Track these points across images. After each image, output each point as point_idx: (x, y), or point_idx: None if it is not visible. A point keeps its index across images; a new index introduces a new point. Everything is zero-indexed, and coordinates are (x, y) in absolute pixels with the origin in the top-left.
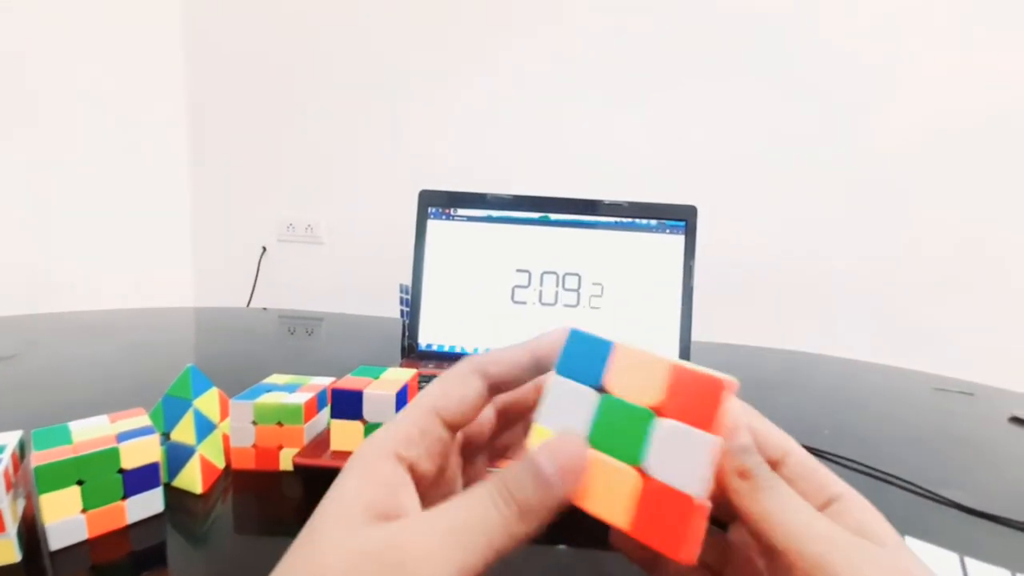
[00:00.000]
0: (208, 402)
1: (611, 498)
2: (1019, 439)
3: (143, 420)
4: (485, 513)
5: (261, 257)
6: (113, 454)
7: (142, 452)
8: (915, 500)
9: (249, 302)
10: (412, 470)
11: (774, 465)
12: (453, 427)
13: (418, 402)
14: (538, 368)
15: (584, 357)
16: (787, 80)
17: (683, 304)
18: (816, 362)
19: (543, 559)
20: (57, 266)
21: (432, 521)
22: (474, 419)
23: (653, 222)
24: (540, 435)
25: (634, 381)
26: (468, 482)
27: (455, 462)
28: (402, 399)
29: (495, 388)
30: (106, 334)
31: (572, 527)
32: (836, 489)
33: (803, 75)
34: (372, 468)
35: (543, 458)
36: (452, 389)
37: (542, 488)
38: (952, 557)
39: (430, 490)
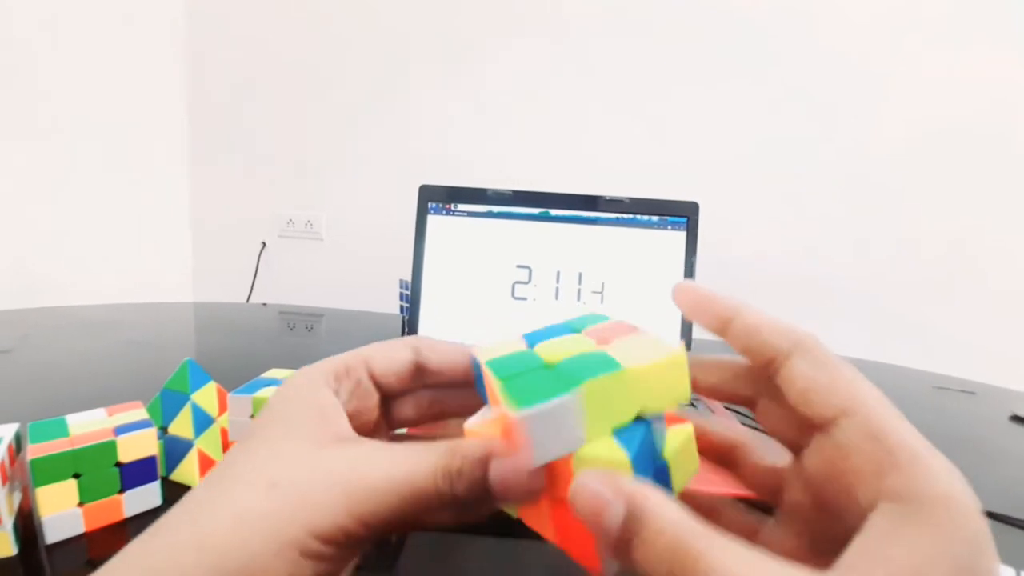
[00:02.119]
0: (206, 396)
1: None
2: (1021, 438)
3: (140, 413)
4: (423, 476)
5: (261, 253)
6: (110, 447)
7: (139, 445)
8: None
9: (249, 298)
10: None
11: (773, 372)
12: (375, 380)
13: (350, 351)
14: (463, 373)
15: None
16: (789, 79)
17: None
18: None
19: (535, 555)
20: (55, 261)
21: (382, 453)
22: (397, 386)
23: (654, 218)
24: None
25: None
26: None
27: (375, 413)
28: None
29: (421, 370)
30: (104, 329)
31: None
32: (841, 405)
33: (804, 75)
34: (310, 395)
35: (495, 468)
36: (384, 349)
37: (479, 486)
38: None
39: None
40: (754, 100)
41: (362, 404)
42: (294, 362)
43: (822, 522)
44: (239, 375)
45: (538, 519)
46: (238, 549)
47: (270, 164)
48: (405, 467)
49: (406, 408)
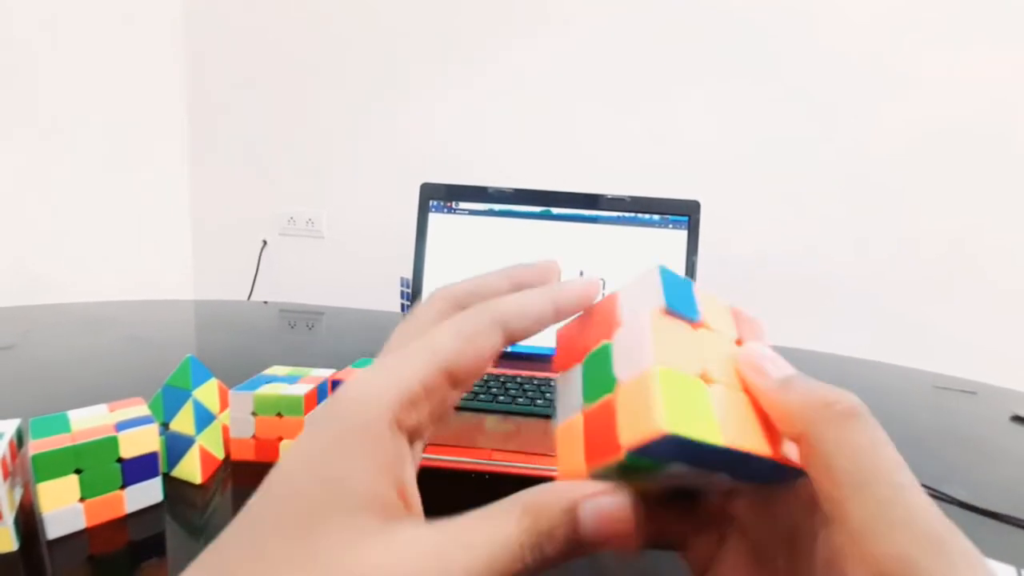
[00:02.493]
0: (208, 393)
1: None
2: (1021, 438)
3: (142, 410)
4: (511, 557)
5: (262, 251)
6: (111, 443)
7: (141, 441)
8: None
9: (250, 295)
10: (413, 438)
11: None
12: (459, 386)
13: (426, 351)
14: (559, 318)
15: (680, 296)
16: (790, 78)
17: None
18: (817, 360)
19: None
20: (55, 260)
21: (448, 546)
22: (485, 370)
23: (656, 217)
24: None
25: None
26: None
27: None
28: None
29: (510, 340)
30: (106, 326)
31: None
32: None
33: (805, 74)
34: (373, 442)
35: (586, 512)
36: (470, 345)
37: (571, 547)
38: None
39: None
40: (755, 99)
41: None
42: (295, 360)
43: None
44: (240, 372)
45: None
46: None
47: (271, 162)
48: (484, 552)
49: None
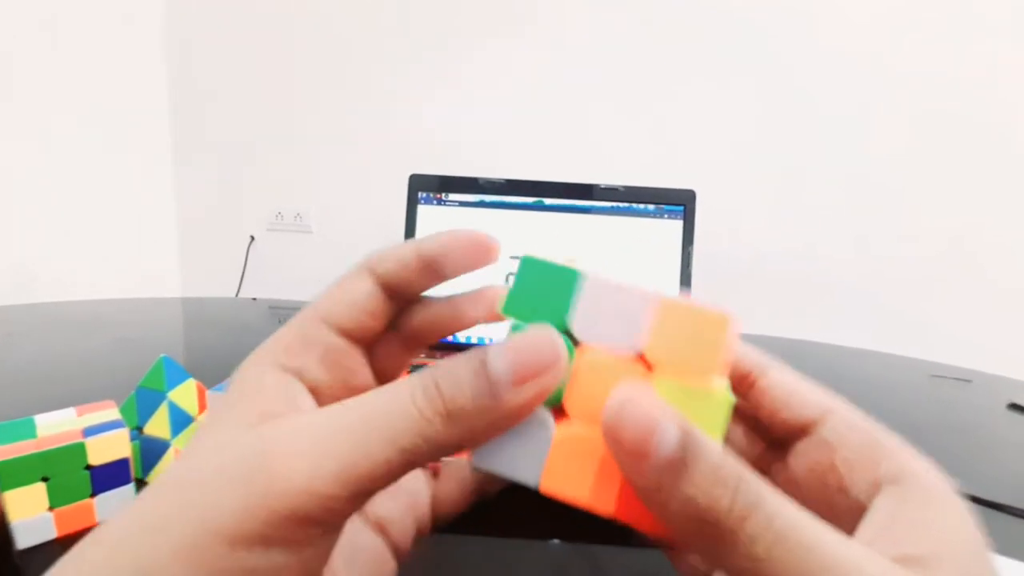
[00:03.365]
0: (184, 394)
1: (581, 472)
2: (1018, 426)
3: (112, 413)
4: (395, 406)
5: (249, 246)
6: (78, 449)
7: (110, 447)
8: None
9: (238, 292)
10: (303, 380)
11: (747, 386)
12: (346, 333)
13: (301, 311)
14: (428, 270)
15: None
16: (787, 70)
17: (681, 291)
18: (813, 350)
19: (535, 554)
20: (38, 257)
21: (322, 415)
22: (370, 323)
23: (651, 207)
24: None
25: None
26: None
27: (364, 375)
28: None
29: (388, 288)
30: (88, 326)
31: (565, 518)
32: (821, 406)
33: (803, 66)
34: (254, 379)
35: (493, 352)
36: (337, 292)
37: (482, 387)
38: None
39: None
40: (751, 88)
41: (346, 371)
42: None
43: None
44: (229, 372)
45: (570, 476)
46: (144, 558)
47: (257, 156)
48: (353, 419)
49: (395, 350)
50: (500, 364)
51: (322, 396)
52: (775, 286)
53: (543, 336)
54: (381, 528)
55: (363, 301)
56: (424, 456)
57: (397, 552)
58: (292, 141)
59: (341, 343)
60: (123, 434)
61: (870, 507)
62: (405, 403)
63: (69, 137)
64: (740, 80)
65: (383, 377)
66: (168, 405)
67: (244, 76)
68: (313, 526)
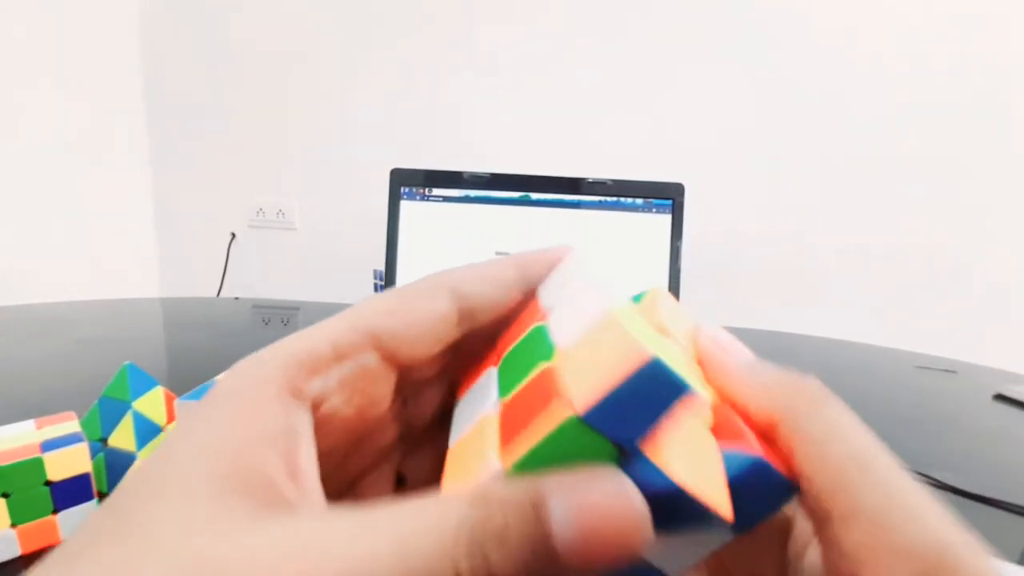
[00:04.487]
0: (151, 403)
1: None
2: (1005, 417)
3: (72, 426)
4: (423, 558)
5: (230, 244)
6: (36, 464)
7: (69, 462)
8: None
9: (219, 292)
10: (315, 410)
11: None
12: (393, 361)
13: (349, 312)
14: (524, 289)
15: (638, 403)
16: (776, 62)
17: (670, 285)
18: (799, 342)
19: None
20: (9, 258)
21: (324, 540)
22: (428, 358)
23: (639, 201)
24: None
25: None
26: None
27: (385, 402)
28: None
29: (467, 316)
30: (58, 329)
31: None
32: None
33: (792, 58)
34: (250, 407)
35: (557, 512)
36: (404, 306)
37: (541, 561)
38: None
39: (342, 449)
40: (741, 80)
41: (369, 401)
42: None
43: None
44: (212, 375)
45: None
46: None
47: (237, 151)
48: (391, 552)
49: (432, 398)
50: (569, 525)
51: (328, 432)
52: (762, 280)
53: (618, 492)
54: None
55: (431, 325)
56: None
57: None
58: (272, 135)
59: (381, 370)
60: (82, 448)
61: None
62: (442, 558)
63: (41, 134)
64: (729, 73)
65: (408, 411)
66: (133, 415)
67: (220, 69)
68: None
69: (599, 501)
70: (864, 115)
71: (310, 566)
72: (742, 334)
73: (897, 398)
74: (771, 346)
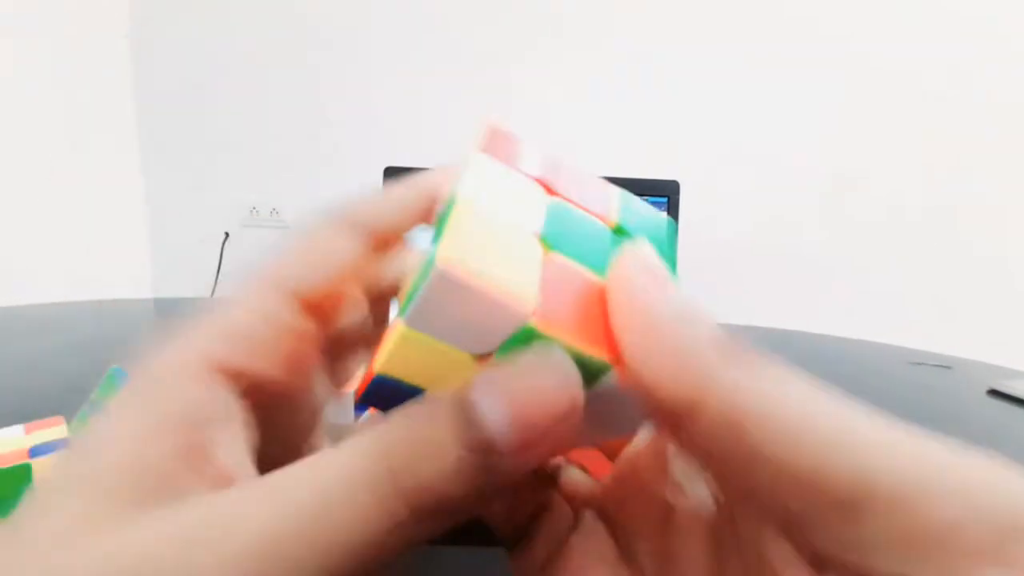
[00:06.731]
0: None
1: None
2: (998, 412)
3: (60, 431)
4: (345, 503)
5: (224, 244)
6: (24, 471)
7: None
8: None
9: (213, 292)
10: (242, 384)
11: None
12: (314, 310)
13: (259, 274)
14: (424, 207)
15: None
16: (768, 52)
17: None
18: (793, 338)
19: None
20: (0, 259)
21: (250, 503)
22: (344, 297)
23: None
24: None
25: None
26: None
27: (315, 366)
28: None
29: (381, 246)
30: (48, 330)
31: None
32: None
33: (784, 48)
34: (165, 393)
35: (483, 401)
36: (309, 253)
37: (468, 464)
38: None
39: (276, 421)
40: (735, 75)
41: (297, 360)
42: None
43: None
44: None
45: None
46: None
47: (230, 150)
48: (309, 508)
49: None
50: (495, 421)
51: (259, 405)
52: (757, 276)
53: (552, 366)
54: None
55: (343, 264)
56: (380, 557)
57: None
58: (265, 134)
59: (308, 326)
60: None
61: None
62: (359, 498)
63: (32, 134)
64: (725, 69)
65: (333, 356)
66: None
67: (212, 67)
68: None
69: (527, 373)
70: (859, 112)
71: (184, 554)
72: (736, 330)
73: (891, 394)
74: (765, 343)
